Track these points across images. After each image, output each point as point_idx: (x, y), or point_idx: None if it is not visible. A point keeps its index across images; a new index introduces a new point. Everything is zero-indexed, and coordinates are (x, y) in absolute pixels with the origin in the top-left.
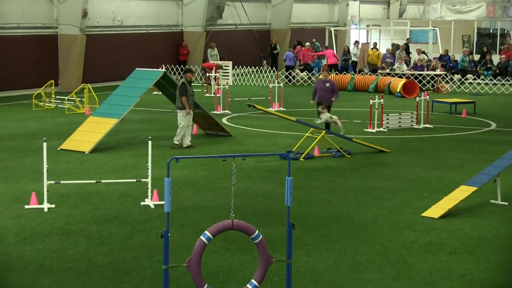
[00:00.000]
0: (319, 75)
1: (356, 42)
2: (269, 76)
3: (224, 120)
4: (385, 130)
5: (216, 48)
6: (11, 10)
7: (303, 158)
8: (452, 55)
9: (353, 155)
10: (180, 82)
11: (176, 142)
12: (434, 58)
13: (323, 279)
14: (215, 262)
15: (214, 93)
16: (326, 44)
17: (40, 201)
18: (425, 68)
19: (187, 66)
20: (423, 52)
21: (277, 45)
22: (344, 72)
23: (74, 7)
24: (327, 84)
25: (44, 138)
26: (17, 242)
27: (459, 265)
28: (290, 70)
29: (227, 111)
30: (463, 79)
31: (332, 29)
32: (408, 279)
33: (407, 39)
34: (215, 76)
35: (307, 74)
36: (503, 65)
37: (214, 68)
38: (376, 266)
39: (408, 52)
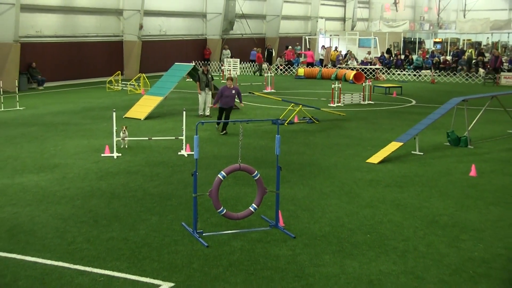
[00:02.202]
0: (297, 69)
1: (323, 46)
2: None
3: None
4: (342, 104)
5: (228, 50)
6: (92, 24)
7: (287, 123)
8: (388, 55)
9: (321, 121)
10: (198, 72)
11: (200, 113)
12: (375, 57)
13: (300, 203)
14: (228, 192)
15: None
16: (308, 47)
17: (111, 151)
18: (369, 64)
19: (203, 61)
20: (368, 53)
21: (272, 47)
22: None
23: (134, 22)
24: (233, 91)
25: (114, 110)
26: (97, 178)
27: (390, 194)
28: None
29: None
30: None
31: (306, 37)
32: (357, 203)
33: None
34: (228, 69)
35: (268, 66)
36: (420, 62)
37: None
38: (335, 195)
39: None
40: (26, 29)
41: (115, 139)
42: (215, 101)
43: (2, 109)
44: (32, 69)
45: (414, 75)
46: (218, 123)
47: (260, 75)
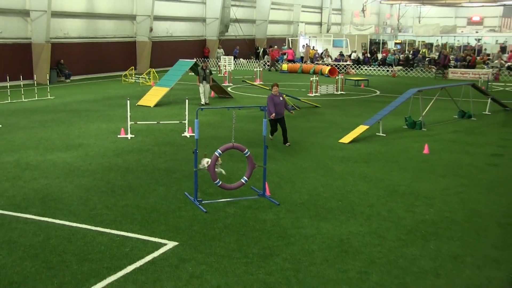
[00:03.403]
0: (281, 64)
1: (303, 46)
2: (255, 64)
3: (228, 89)
4: (319, 94)
5: (222, 49)
6: (110, 27)
7: None
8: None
9: (301, 108)
10: (198, 68)
11: (202, 102)
12: (346, 55)
13: (283, 176)
14: (223, 167)
15: (223, 74)
16: (290, 46)
17: (126, 133)
18: (341, 60)
19: (203, 59)
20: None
21: (259, 47)
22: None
23: (145, 25)
24: (281, 98)
25: (128, 98)
26: (114, 155)
27: (358, 168)
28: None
29: (230, 84)
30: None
31: (289, 38)
32: (330, 176)
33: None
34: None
35: (247, 61)
36: (383, 59)
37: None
38: (313, 169)
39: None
40: (55, 31)
41: (129, 122)
42: (269, 112)
43: (36, 98)
44: (60, 65)
45: (378, 70)
46: (271, 133)
47: (276, 70)
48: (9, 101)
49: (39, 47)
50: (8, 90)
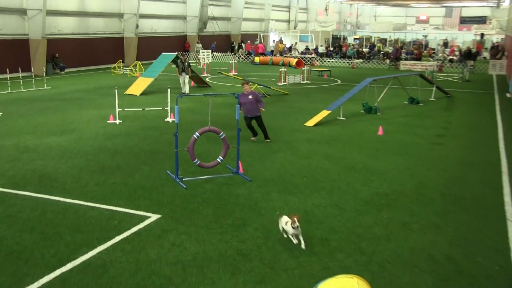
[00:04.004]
0: (254, 56)
1: (273, 41)
2: (230, 57)
3: (207, 79)
4: (287, 83)
5: (200, 44)
6: (100, 24)
7: None
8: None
9: (272, 96)
10: (178, 61)
11: (183, 91)
12: (311, 48)
13: (254, 155)
14: (200, 148)
15: (202, 66)
16: (261, 41)
17: (115, 119)
18: (307, 53)
19: (184, 53)
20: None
21: (234, 42)
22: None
23: (131, 23)
24: (250, 96)
25: (116, 88)
26: (104, 139)
27: (321, 148)
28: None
29: (208, 75)
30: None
31: (261, 34)
32: (297, 155)
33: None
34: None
35: (223, 54)
36: (344, 52)
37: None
38: (282, 149)
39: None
40: (50, 28)
41: (117, 109)
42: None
43: (34, 89)
44: (55, 58)
45: (340, 62)
46: (253, 135)
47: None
48: (9, 91)
49: (36, 43)
50: (8, 81)
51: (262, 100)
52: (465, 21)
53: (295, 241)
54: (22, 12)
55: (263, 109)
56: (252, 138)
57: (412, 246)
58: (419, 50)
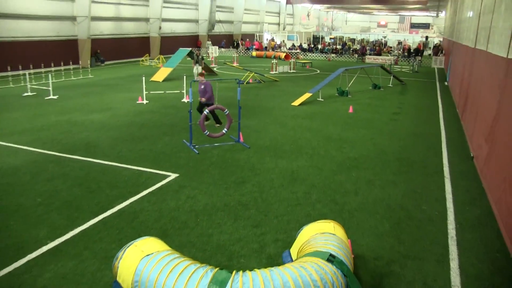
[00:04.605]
0: (251, 51)
1: (267, 39)
2: (233, 51)
3: (214, 68)
4: (277, 72)
5: (210, 41)
6: (131, 27)
7: (246, 83)
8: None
9: (266, 82)
10: (193, 54)
11: (195, 79)
12: (297, 45)
13: (252, 128)
14: (209, 122)
15: (211, 58)
16: (257, 39)
17: (142, 100)
18: (293, 49)
19: (196, 48)
20: (293, 44)
21: (236, 40)
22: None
23: (156, 25)
24: (202, 86)
25: (143, 76)
26: (134, 115)
27: (304, 122)
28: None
29: (215, 65)
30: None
31: (257, 34)
32: (285, 128)
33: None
34: (211, 52)
35: (228, 50)
36: (323, 48)
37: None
38: (273, 124)
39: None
40: (94, 30)
41: (144, 92)
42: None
43: (81, 77)
44: (97, 53)
45: (319, 55)
46: (208, 119)
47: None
48: (63, 79)
49: (83, 42)
50: (62, 72)
51: (208, 91)
52: (414, 26)
53: None
54: (72, 18)
55: (202, 99)
56: (216, 125)
57: (374, 198)
58: (379, 48)
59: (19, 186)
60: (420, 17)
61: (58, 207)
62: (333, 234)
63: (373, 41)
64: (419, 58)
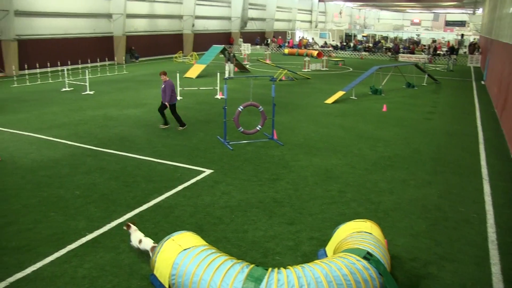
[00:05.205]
0: (283, 49)
1: (299, 37)
2: (264, 48)
3: (247, 65)
4: (310, 70)
5: (241, 38)
6: (165, 24)
7: (278, 80)
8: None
9: (298, 79)
10: (225, 52)
11: (226, 76)
12: (329, 43)
13: (285, 125)
14: (243, 119)
15: (243, 56)
16: (290, 37)
17: (176, 95)
18: (325, 47)
19: (229, 45)
20: (325, 41)
21: (269, 39)
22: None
23: (189, 22)
24: (162, 86)
25: (178, 72)
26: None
27: (337, 120)
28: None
29: (248, 63)
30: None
31: (289, 32)
32: (318, 126)
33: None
34: (244, 49)
35: (260, 47)
36: (355, 45)
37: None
38: (306, 121)
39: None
40: (128, 27)
41: (178, 88)
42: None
43: (116, 73)
44: (132, 50)
45: (351, 54)
46: (164, 122)
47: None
48: (99, 75)
49: (118, 39)
50: (98, 68)
51: (167, 91)
52: (449, 24)
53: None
54: (108, 16)
55: (166, 103)
56: (161, 125)
57: (409, 198)
58: (413, 46)
59: (58, 179)
60: (456, 14)
61: (95, 200)
62: (370, 233)
63: (406, 39)
64: (454, 56)
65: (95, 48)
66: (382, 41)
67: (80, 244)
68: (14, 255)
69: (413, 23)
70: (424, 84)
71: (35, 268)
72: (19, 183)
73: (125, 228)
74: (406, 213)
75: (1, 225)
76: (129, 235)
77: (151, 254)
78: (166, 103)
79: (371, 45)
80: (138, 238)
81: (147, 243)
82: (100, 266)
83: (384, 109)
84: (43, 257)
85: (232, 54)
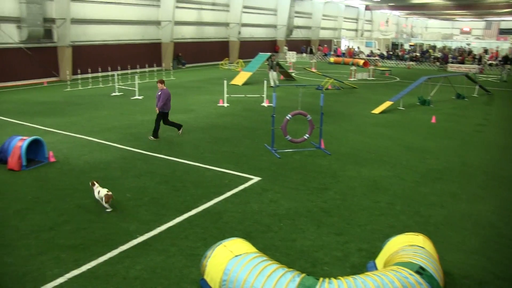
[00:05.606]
0: (329, 57)
1: (345, 46)
2: (309, 57)
3: (292, 74)
4: (356, 79)
5: (286, 46)
6: (212, 31)
7: (325, 89)
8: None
9: (344, 89)
10: (268, 60)
11: (271, 84)
12: (375, 52)
13: (332, 134)
14: (291, 127)
15: (288, 64)
16: (336, 46)
17: (223, 102)
18: (371, 56)
19: (273, 53)
20: (371, 51)
21: (313, 47)
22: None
23: (235, 30)
24: (158, 93)
25: (225, 79)
26: (215, 117)
27: (385, 131)
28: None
29: (293, 71)
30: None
31: (335, 40)
32: (365, 136)
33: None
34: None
35: (306, 55)
36: (401, 56)
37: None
38: (352, 130)
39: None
40: (176, 35)
41: (225, 95)
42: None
43: (164, 79)
44: (179, 56)
45: (397, 63)
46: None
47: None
48: (147, 80)
49: (166, 45)
50: (147, 73)
51: (161, 100)
52: (503, 32)
53: (105, 205)
54: (157, 23)
55: (156, 109)
56: (179, 132)
57: (461, 212)
58: (463, 56)
59: (110, 181)
60: (510, 21)
61: (146, 203)
62: (423, 248)
63: (455, 49)
64: (509, 66)
65: (144, 54)
66: (430, 50)
67: (132, 246)
68: (71, 252)
69: (463, 32)
70: (475, 95)
71: (90, 266)
72: (73, 183)
73: (90, 184)
74: (458, 228)
75: (59, 223)
76: (92, 191)
77: (103, 201)
78: (157, 109)
79: (418, 54)
80: (97, 191)
81: (102, 192)
82: (151, 268)
83: (433, 120)
84: (97, 256)
85: (275, 62)
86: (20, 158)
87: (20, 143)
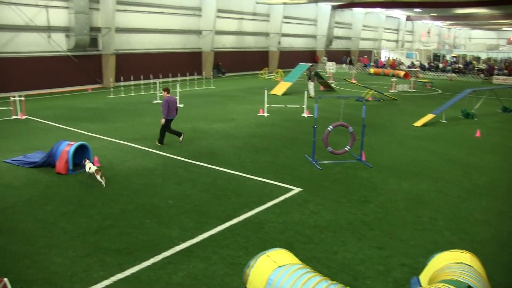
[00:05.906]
0: (369, 69)
1: (385, 57)
2: (348, 67)
3: (332, 84)
4: (396, 91)
5: (325, 57)
6: (252, 41)
7: (365, 100)
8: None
9: (384, 101)
10: (308, 70)
11: (310, 94)
12: (416, 63)
13: (374, 147)
14: (332, 138)
15: (328, 74)
16: (376, 57)
17: (263, 112)
18: (412, 67)
19: (312, 64)
20: (412, 62)
21: (353, 57)
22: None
23: (275, 40)
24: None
25: (266, 89)
26: (255, 127)
27: (427, 144)
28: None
29: (333, 81)
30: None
31: (375, 51)
32: (407, 149)
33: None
34: (329, 68)
35: (345, 66)
36: (444, 67)
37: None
38: (394, 144)
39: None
40: (216, 44)
41: (265, 105)
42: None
43: (204, 87)
44: (219, 65)
45: (438, 75)
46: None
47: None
48: (188, 89)
49: (206, 54)
50: (187, 82)
51: (163, 108)
52: None
53: (99, 179)
54: (198, 32)
55: (163, 120)
56: (180, 139)
57: (509, 231)
58: (509, 68)
59: (152, 187)
60: None
61: (187, 211)
62: (470, 266)
63: (501, 60)
64: None
65: (184, 63)
66: (473, 62)
67: (174, 252)
68: (115, 256)
69: (510, 42)
70: None
71: (133, 271)
72: (117, 189)
73: (83, 162)
74: (506, 248)
75: (104, 227)
76: (84, 166)
77: (97, 175)
78: (163, 119)
79: (461, 66)
80: (88, 166)
81: (93, 168)
82: (193, 275)
83: (478, 134)
84: (140, 261)
85: (313, 73)
86: (67, 162)
87: (68, 148)
